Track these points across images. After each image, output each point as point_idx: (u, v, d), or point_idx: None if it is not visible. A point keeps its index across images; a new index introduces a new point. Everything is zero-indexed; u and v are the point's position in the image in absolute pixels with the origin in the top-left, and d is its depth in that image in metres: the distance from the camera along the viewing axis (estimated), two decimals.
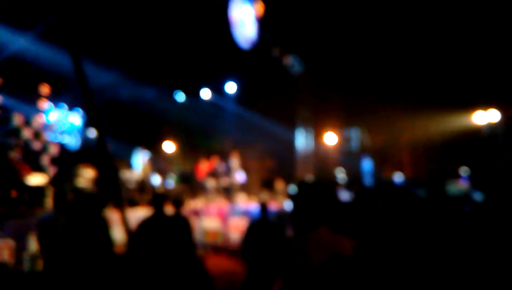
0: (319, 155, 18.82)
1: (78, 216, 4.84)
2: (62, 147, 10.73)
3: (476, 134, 21.53)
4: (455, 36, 18.67)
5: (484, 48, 18.88)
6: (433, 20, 18.04)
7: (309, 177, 16.03)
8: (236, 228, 10.52)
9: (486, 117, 20.89)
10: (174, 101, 18.09)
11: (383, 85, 20.99)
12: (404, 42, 18.97)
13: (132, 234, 4.54)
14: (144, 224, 4.71)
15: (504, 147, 20.58)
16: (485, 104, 20.57)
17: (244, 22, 12.21)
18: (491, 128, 20.91)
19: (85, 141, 11.78)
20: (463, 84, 20.13)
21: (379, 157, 25.07)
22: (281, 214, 8.01)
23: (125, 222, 3.62)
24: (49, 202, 7.36)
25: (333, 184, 15.24)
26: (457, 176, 23.67)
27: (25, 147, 8.92)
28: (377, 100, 20.64)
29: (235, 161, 13.14)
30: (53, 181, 8.25)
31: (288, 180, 15.68)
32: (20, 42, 9.87)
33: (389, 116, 21.76)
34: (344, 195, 12.58)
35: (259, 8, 12.65)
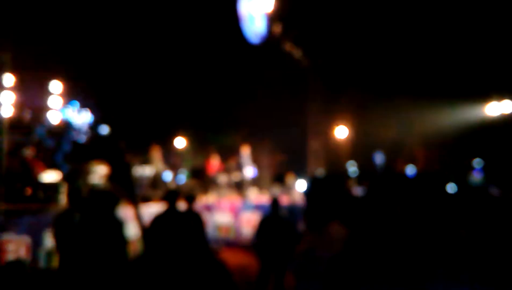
0: (330, 148, 18.74)
1: (92, 212, 4.90)
2: (76, 144, 10.85)
3: (489, 125, 21.22)
4: (467, 28, 18.37)
5: (496, 38, 18.55)
6: (444, 12, 17.77)
7: (321, 172, 15.98)
8: (248, 223, 10.54)
9: (500, 108, 20.56)
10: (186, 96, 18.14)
11: (395, 78, 20.77)
12: (417, 34, 18.73)
13: (146, 230, 4.59)
14: (158, 219, 4.75)
15: None
16: (498, 94, 20.22)
17: (253, 17, 12.17)
18: (505, 119, 20.59)
19: (98, 138, 11.90)
20: (475, 75, 19.82)
21: (391, 150, 24.88)
22: (293, 209, 8.00)
23: (139, 218, 3.65)
24: (63, 198, 7.46)
25: (344, 178, 15.17)
26: (471, 168, 23.44)
27: (39, 144, 9.03)
28: (388, 93, 20.44)
29: (246, 156, 13.15)
30: (67, 178, 8.36)
31: (299, 174, 15.66)
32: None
33: (401, 109, 21.54)
34: (356, 189, 12.52)
35: (268, 3, 12.60)
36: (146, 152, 11.31)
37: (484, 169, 24.45)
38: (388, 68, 19.98)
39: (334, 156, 19.37)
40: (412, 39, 19.07)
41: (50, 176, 7.92)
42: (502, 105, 20.33)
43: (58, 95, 11.01)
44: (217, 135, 22.42)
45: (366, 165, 20.24)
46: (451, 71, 20.18)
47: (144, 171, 10.95)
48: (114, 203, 4.84)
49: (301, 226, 8.12)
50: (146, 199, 9.10)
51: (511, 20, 17.52)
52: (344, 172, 19.39)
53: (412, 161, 26.31)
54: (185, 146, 21.95)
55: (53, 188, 7.62)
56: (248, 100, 19.62)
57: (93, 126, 12.21)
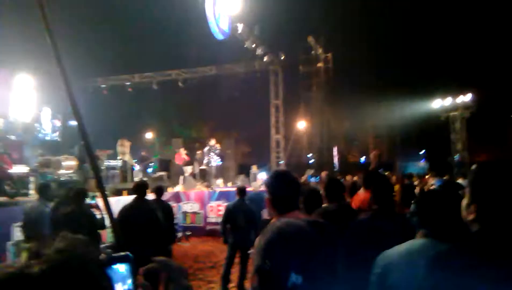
0: (291, 141, 18.96)
1: (62, 204, 4.73)
2: (44, 138, 10.40)
3: (434, 119, 22.20)
4: (416, 29, 19.01)
5: (441, 44, 19.35)
6: (399, 16, 18.31)
7: (283, 165, 16.13)
8: (214, 211, 10.55)
9: (443, 103, 21.57)
10: (152, 90, 17.73)
11: (350, 74, 21.22)
12: (372, 31, 19.18)
13: (116, 221, 4.48)
14: (127, 210, 4.65)
15: (459, 130, 21.29)
16: (443, 92, 21.13)
17: (218, 15, 12.05)
18: (448, 114, 21.59)
19: (67, 131, 11.46)
20: (423, 75, 20.63)
21: (346, 142, 25.53)
22: (257, 198, 8.06)
23: (108, 209, 3.58)
24: (32, 191, 7.16)
25: (304, 168, 15.41)
26: (418, 158, 24.40)
27: (6, 139, 8.59)
28: (344, 89, 20.88)
29: (212, 147, 13.07)
30: (35, 171, 8.02)
31: (263, 165, 15.77)
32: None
33: (355, 103, 22.10)
34: (313, 179, 12.76)
35: (232, 3, 12.51)
36: (115, 145, 11.00)
37: (427, 159, 25.67)
38: (344, 66, 20.37)
39: (295, 148, 19.63)
40: (367, 39, 19.52)
41: (19, 169, 7.57)
42: (445, 102, 21.38)
43: (25, 89, 10.50)
44: (184, 128, 22.15)
45: (323, 156, 20.64)
46: (401, 70, 20.85)
47: (112, 163, 10.66)
48: (83, 195, 4.70)
49: (264, 214, 8.21)
50: (116, 191, 8.88)
51: (457, 29, 18.28)
52: (304, 162, 19.71)
53: (365, 152, 27.08)
54: (154, 139, 21.58)
55: (21, 181, 7.30)
56: (214, 94, 19.46)
57: (62, 120, 11.74)
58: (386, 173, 9.19)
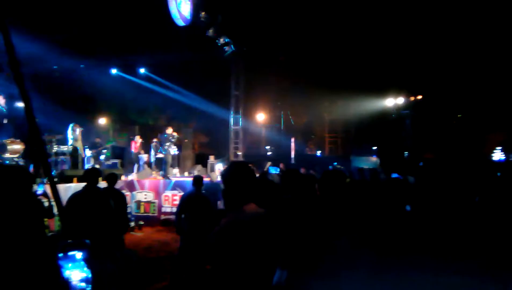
0: (250, 132, 19.02)
1: (6, 191, 4.47)
2: None
3: (385, 116, 23.13)
4: (370, 30, 19.54)
5: (396, 45, 20.03)
6: (350, 10, 18.66)
7: (240, 157, 16.14)
8: (169, 201, 10.40)
9: (395, 102, 22.51)
10: (108, 75, 17.04)
11: (309, 70, 21.54)
12: (331, 29, 19.48)
13: (64, 208, 4.28)
14: (76, 198, 4.47)
15: (409, 129, 22.33)
16: (395, 90, 22.00)
17: (180, 0, 11.77)
18: (399, 112, 22.56)
19: (13, 114, 10.76)
20: (377, 71, 21.30)
21: (303, 135, 26.02)
22: (213, 188, 8.03)
23: (56, 196, 3.35)
24: None
25: (262, 160, 15.55)
26: (370, 153, 25.37)
27: None
28: (302, 83, 21.18)
29: (169, 136, 12.83)
30: None
31: (221, 155, 15.71)
32: None
33: (312, 99, 22.53)
34: (272, 170, 12.92)
35: None
36: (65, 130, 10.47)
37: (378, 154, 26.74)
38: (304, 61, 20.63)
39: (254, 140, 19.73)
40: (326, 36, 19.82)
41: None
42: (398, 100, 22.34)
43: None
44: (141, 115, 21.53)
45: (281, 148, 20.92)
46: (357, 69, 21.40)
47: (62, 149, 10.16)
48: (29, 181, 4.45)
49: (220, 204, 8.21)
50: (65, 178, 8.51)
51: (411, 31, 18.94)
52: (262, 154, 19.89)
53: (321, 145, 27.80)
54: (108, 125, 20.80)
55: None
56: (173, 82, 19.05)
57: (7, 100, 11.01)
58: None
